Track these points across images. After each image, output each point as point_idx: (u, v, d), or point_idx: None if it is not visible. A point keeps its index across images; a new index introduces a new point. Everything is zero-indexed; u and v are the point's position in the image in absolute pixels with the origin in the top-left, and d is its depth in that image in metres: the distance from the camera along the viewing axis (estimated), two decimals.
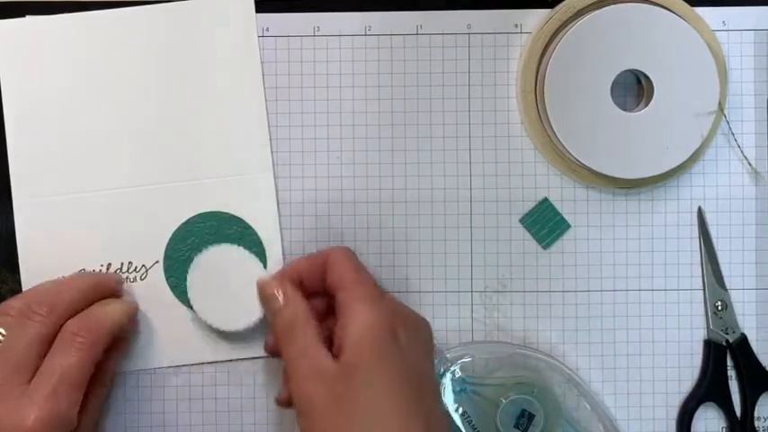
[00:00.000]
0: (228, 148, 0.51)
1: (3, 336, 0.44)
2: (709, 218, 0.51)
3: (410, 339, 0.43)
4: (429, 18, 0.51)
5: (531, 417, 0.48)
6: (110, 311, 0.47)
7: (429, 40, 0.51)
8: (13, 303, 0.45)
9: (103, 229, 0.50)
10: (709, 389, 0.50)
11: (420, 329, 0.45)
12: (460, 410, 0.48)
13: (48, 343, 0.44)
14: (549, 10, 0.50)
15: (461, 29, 0.51)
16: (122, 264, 0.50)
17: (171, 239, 0.51)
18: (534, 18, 0.51)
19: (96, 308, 0.46)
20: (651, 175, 0.49)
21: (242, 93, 0.51)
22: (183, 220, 0.51)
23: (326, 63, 0.51)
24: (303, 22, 0.51)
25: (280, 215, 0.51)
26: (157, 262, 0.51)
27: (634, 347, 0.51)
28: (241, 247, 0.50)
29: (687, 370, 0.51)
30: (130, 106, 0.51)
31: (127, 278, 0.50)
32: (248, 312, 0.49)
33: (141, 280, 0.51)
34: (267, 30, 0.51)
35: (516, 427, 0.48)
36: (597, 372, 0.51)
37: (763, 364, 0.51)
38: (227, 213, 0.51)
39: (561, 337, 0.51)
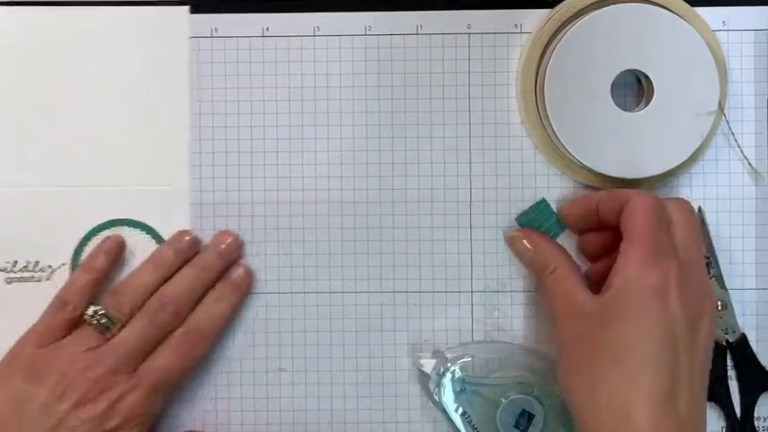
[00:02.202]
0: (145, 157, 0.51)
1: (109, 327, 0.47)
2: (709, 218, 0.51)
3: (683, 310, 0.42)
4: (429, 18, 0.51)
5: (531, 417, 0.48)
6: (215, 321, 0.49)
7: (429, 40, 0.51)
8: (129, 297, 0.48)
9: (12, 226, 0.51)
10: (709, 389, 0.50)
11: (704, 305, 0.44)
12: (460, 410, 0.48)
13: (158, 342, 0.47)
14: (549, 10, 0.50)
15: (461, 29, 0.51)
16: (28, 262, 0.50)
17: (80, 243, 0.51)
18: (534, 18, 0.51)
19: (204, 319, 0.48)
20: (651, 174, 0.49)
21: (165, 103, 0.51)
22: (94, 225, 0.51)
23: (326, 63, 0.51)
24: (303, 22, 0.51)
25: (279, 215, 0.51)
26: (64, 264, 0.51)
27: None
28: (132, 228, 0.50)
29: None
30: (49, 106, 0.51)
31: (32, 277, 0.50)
32: None
33: (46, 280, 0.50)
34: (267, 30, 0.51)
35: (516, 427, 0.48)
36: None
37: (763, 364, 0.51)
38: (138, 222, 0.51)
39: None
